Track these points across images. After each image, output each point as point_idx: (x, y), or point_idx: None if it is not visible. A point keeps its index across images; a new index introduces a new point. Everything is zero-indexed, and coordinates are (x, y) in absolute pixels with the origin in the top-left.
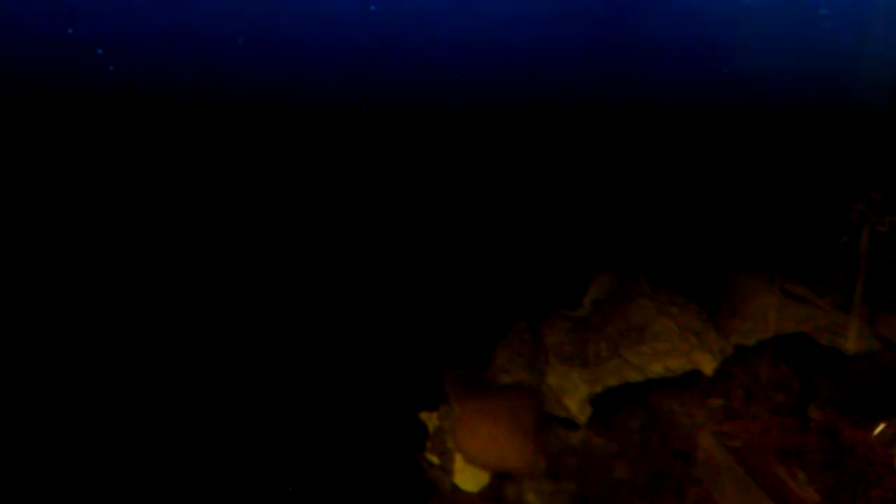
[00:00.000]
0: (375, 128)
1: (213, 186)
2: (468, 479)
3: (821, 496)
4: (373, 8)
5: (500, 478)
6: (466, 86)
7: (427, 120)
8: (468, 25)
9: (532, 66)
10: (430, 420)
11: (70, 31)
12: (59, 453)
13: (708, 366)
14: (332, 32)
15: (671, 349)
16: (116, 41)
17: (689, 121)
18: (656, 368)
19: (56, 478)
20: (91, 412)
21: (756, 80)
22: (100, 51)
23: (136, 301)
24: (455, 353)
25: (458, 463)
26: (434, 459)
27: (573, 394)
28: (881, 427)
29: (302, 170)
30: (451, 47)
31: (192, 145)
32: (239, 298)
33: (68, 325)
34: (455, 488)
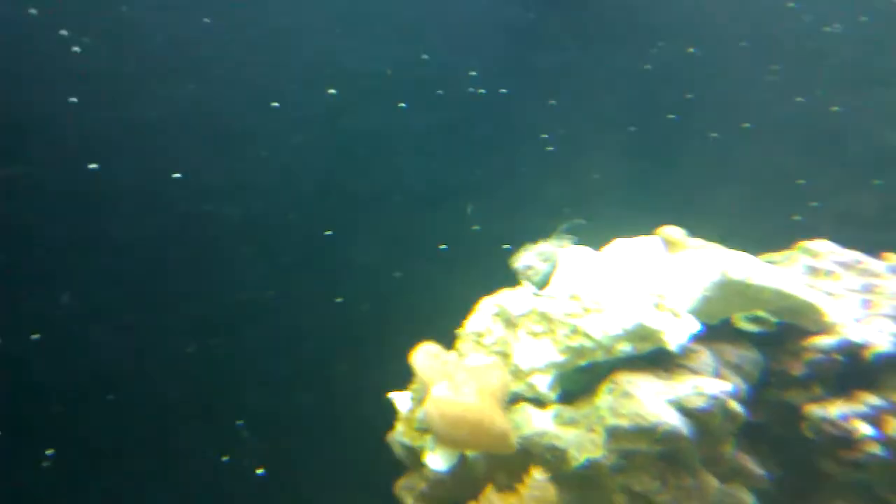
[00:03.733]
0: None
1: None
2: (438, 458)
3: (781, 469)
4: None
5: (470, 456)
6: None
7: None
8: None
9: None
10: (399, 400)
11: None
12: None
13: (673, 343)
14: None
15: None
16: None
17: None
18: (622, 347)
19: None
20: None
21: None
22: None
23: (125, 298)
24: (422, 330)
25: (428, 442)
26: (403, 439)
27: (542, 372)
28: (840, 402)
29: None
30: None
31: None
32: (211, 287)
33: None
34: (425, 467)
